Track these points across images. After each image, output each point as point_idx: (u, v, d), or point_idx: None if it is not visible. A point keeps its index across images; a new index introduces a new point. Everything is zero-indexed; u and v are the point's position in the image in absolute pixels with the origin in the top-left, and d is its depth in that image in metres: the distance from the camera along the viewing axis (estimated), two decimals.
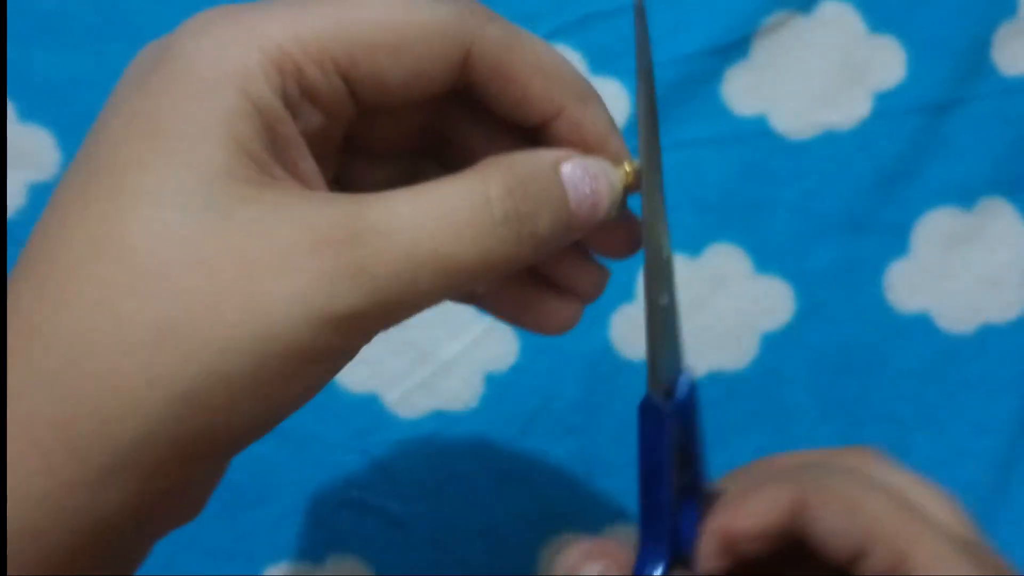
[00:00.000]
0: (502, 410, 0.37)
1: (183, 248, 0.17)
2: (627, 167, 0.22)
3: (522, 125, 0.22)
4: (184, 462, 0.17)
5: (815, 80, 0.39)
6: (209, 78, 0.18)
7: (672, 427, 0.25)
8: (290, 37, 0.18)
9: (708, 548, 0.22)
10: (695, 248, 0.38)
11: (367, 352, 0.37)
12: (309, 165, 0.19)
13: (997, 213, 0.39)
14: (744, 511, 0.22)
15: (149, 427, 0.17)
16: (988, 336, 0.39)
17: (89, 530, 0.17)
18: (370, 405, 0.37)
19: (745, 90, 0.38)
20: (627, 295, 0.38)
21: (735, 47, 0.38)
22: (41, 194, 0.37)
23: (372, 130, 0.22)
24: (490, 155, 0.22)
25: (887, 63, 0.39)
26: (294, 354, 0.17)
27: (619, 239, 0.24)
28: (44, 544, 0.17)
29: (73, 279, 0.17)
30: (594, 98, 0.22)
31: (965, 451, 0.39)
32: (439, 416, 0.37)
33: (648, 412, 0.25)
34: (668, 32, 0.38)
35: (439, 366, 0.37)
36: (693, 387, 0.26)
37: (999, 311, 0.39)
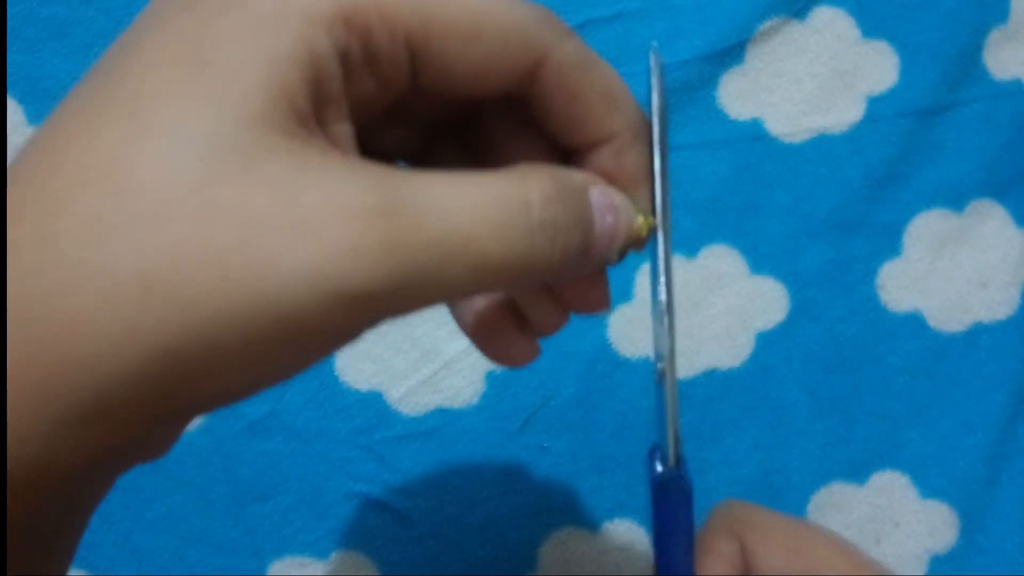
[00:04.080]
0: (503, 407, 0.38)
1: (193, 193, 0.15)
2: (643, 218, 0.21)
3: (564, 141, 0.21)
4: (151, 421, 0.16)
5: (808, 84, 0.39)
6: (269, 14, 0.16)
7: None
8: None
9: None
10: (691, 249, 0.39)
11: (371, 350, 0.38)
12: (345, 128, 0.18)
13: (987, 215, 0.39)
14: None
15: (117, 382, 0.15)
16: (978, 335, 0.39)
17: (38, 477, 0.15)
18: (374, 402, 0.38)
19: (740, 95, 0.39)
20: (625, 295, 0.38)
21: (730, 53, 0.39)
22: None
23: (408, 100, 0.20)
24: (516, 153, 0.21)
25: (879, 68, 0.39)
26: (294, 330, 0.15)
27: (596, 293, 0.23)
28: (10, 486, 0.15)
29: (65, 210, 0.15)
30: (645, 138, 0.21)
31: (955, 447, 0.39)
32: (441, 413, 0.38)
33: (671, 486, 0.23)
34: (664, 39, 0.38)
35: (442, 364, 0.38)
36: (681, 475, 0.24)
37: (989, 311, 0.39)
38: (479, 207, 0.17)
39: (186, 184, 0.15)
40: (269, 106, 0.15)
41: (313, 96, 0.16)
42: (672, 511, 0.24)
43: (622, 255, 0.21)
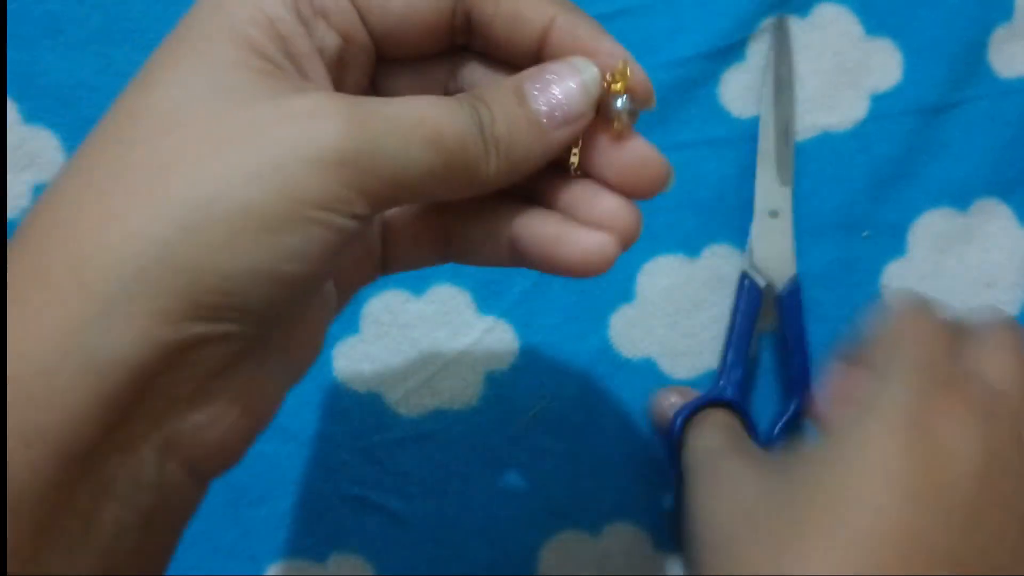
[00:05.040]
0: (502, 409, 0.37)
1: (195, 112, 0.19)
2: (620, 66, 0.23)
3: (523, 46, 0.23)
4: (188, 307, 0.18)
5: (812, 82, 0.39)
6: (227, 2, 0.20)
7: (757, 300, 0.37)
8: None
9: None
10: (694, 249, 0.38)
11: (369, 351, 0.38)
12: (322, 80, 0.21)
13: (992, 214, 0.39)
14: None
15: (149, 254, 0.18)
16: None
17: (102, 371, 0.18)
18: (372, 404, 0.37)
19: (742, 92, 0.39)
20: (627, 295, 0.38)
21: (732, 50, 0.38)
22: None
23: (392, 85, 0.24)
24: None
25: (883, 65, 0.39)
26: (289, 193, 0.18)
27: (637, 170, 0.23)
28: (56, 383, 0.17)
29: (95, 147, 0.19)
30: (579, 9, 0.23)
31: None
32: (440, 415, 0.37)
33: (741, 282, 0.37)
34: (665, 36, 0.38)
35: (440, 365, 0.37)
36: (796, 289, 0.37)
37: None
38: (425, 102, 0.21)
39: (183, 111, 0.19)
40: (241, 55, 0.20)
41: (284, 51, 0.20)
42: (738, 301, 0.37)
43: (632, 114, 0.23)
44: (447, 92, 0.25)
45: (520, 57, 0.23)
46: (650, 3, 0.38)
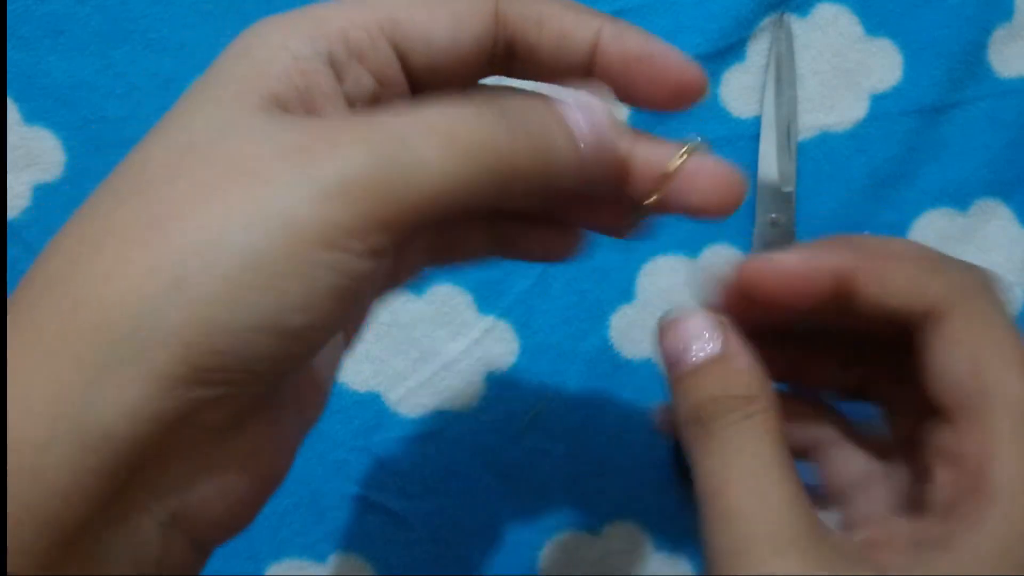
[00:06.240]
0: (503, 409, 0.37)
1: (194, 156, 0.18)
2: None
3: (571, 64, 0.22)
4: (185, 370, 0.17)
5: (811, 82, 0.39)
6: (255, 43, 0.20)
7: None
8: (336, 11, 0.20)
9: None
10: (694, 249, 0.38)
11: (370, 351, 0.38)
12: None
13: (992, 215, 0.39)
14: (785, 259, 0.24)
15: (140, 316, 0.16)
16: None
17: (94, 444, 0.16)
18: (372, 403, 0.37)
19: (742, 92, 0.39)
20: (626, 296, 0.38)
21: (732, 50, 0.38)
22: (46, 195, 0.37)
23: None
24: None
25: (883, 65, 0.39)
26: (296, 234, 0.17)
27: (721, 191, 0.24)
28: (45, 459, 0.16)
29: (100, 197, 0.18)
30: (620, 20, 0.23)
31: None
32: (440, 415, 0.37)
33: None
34: (665, 36, 0.38)
35: (441, 365, 0.37)
36: None
37: None
38: (440, 107, 0.19)
39: (187, 152, 0.18)
40: (252, 96, 0.19)
41: (301, 90, 0.19)
42: None
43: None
44: None
45: (566, 77, 0.22)
46: (650, 3, 0.38)
